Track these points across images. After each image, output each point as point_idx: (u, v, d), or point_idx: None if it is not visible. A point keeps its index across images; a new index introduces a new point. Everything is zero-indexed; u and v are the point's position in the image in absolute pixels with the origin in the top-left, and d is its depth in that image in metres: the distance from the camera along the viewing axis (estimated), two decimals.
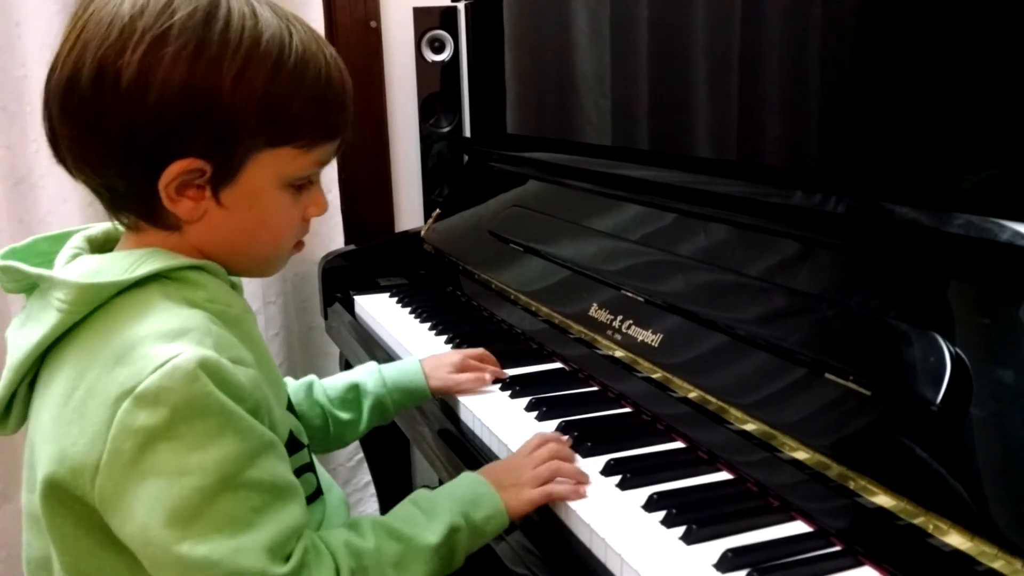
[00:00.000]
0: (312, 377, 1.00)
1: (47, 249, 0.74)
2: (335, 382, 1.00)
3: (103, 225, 0.75)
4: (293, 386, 0.97)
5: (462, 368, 1.05)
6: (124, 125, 0.65)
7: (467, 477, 0.80)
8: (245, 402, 0.65)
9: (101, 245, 0.75)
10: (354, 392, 0.99)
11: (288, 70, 0.67)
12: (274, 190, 0.71)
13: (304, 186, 0.74)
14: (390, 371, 1.01)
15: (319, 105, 0.70)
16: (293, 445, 0.76)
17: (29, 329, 0.68)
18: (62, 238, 0.75)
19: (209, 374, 0.62)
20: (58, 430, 0.65)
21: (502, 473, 0.81)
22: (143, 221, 0.71)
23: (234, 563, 0.62)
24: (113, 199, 0.70)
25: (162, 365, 0.61)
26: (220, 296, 0.71)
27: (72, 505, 0.65)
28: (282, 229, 0.74)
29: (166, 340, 0.63)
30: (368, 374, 1.01)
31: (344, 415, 0.98)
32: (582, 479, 0.81)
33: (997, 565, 0.60)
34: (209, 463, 0.62)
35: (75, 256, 0.71)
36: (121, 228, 0.74)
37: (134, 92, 0.64)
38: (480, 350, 1.09)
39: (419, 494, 0.78)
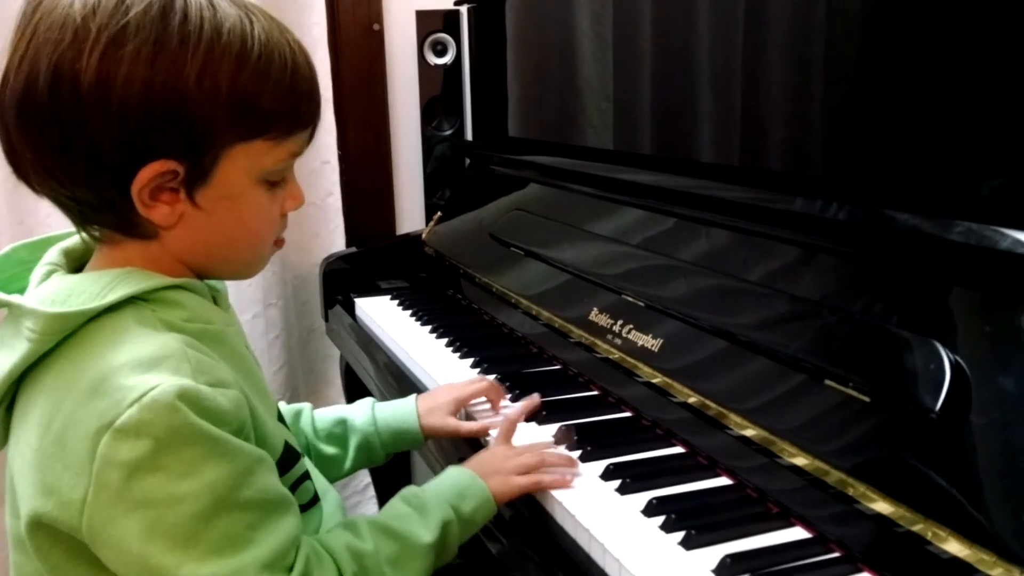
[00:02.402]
0: (305, 405, 0.97)
1: (27, 258, 0.72)
2: (326, 414, 0.97)
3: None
4: (283, 410, 0.92)
5: (458, 403, 0.98)
6: (87, 133, 0.62)
7: (452, 471, 0.82)
8: (229, 425, 0.64)
9: (80, 256, 0.73)
10: (342, 427, 0.95)
11: (253, 61, 0.65)
12: (250, 187, 0.69)
13: (279, 181, 0.72)
14: (383, 410, 0.97)
15: (288, 95, 0.67)
16: (289, 456, 0.75)
17: (2, 356, 0.66)
18: (42, 245, 0.73)
19: (188, 403, 0.61)
20: (40, 463, 0.63)
21: (486, 462, 0.83)
22: (117, 232, 0.68)
23: None
24: (83, 212, 0.67)
25: (140, 398, 0.60)
26: (199, 313, 0.69)
27: (59, 538, 0.64)
28: (262, 227, 0.72)
29: (142, 370, 0.61)
30: (359, 410, 0.97)
31: (328, 450, 0.95)
32: (569, 466, 0.84)
33: (996, 573, 0.60)
34: (199, 489, 0.61)
35: (49, 274, 0.69)
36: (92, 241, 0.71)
37: (95, 97, 0.61)
38: (483, 384, 1.00)
39: (408, 491, 0.79)
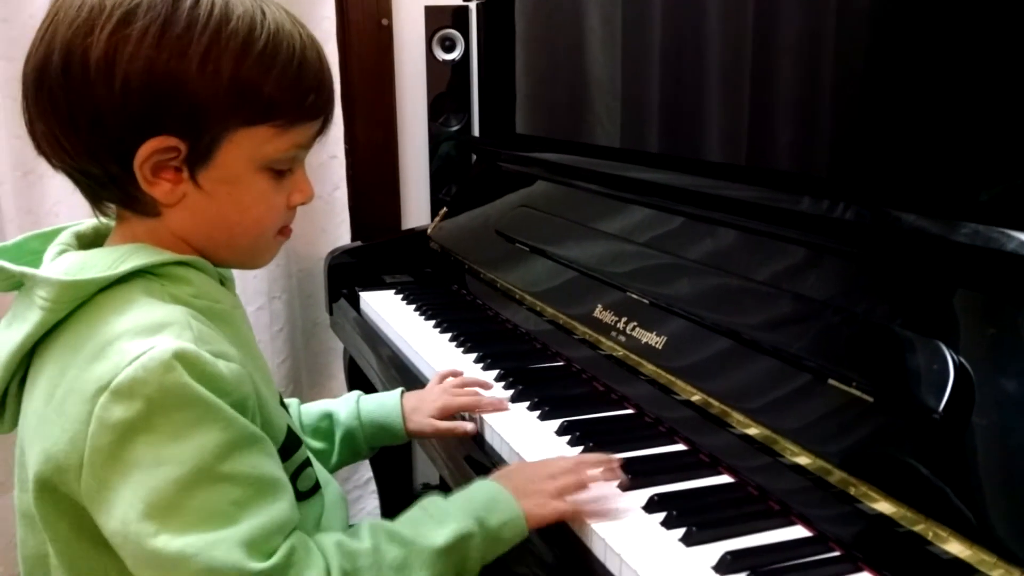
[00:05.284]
0: (293, 400, 0.97)
1: (38, 247, 0.73)
2: (311, 408, 0.97)
3: (93, 220, 0.75)
4: None
5: (444, 411, 0.98)
6: (93, 106, 0.64)
7: (482, 483, 0.77)
8: (229, 395, 0.64)
9: (91, 241, 0.74)
10: (327, 421, 0.96)
11: (258, 50, 0.67)
12: (253, 173, 0.70)
13: (286, 172, 0.72)
14: (368, 403, 0.97)
15: (292, 85, 0.69)
16: (292, 441, 0.75)
17: (15, 328, 0.68)
18: (53, 235, 0.74)
19: (185, 365, 0.61)
20: (42, 429, 0.64)
21: (521, 479, 0.77)
22: (124, 208, 0.70)
23: (208, 557, 0.60)
24: (92, 186, 0.69)
25: (137, 358, 0.61)
26: (207, 291, 0.71)
27: (64, 505, 0.65)
28: (263, 215, 0.72)
29: (144, 335, 0.62)
30: (344, 403, 0.97)
31: (315, 444, 0.95)
32: (613, 479, 0.79)
33: (996, 574, 0.60)
34: (185, 454, 0.61)
35: (62, 252, 0.71)
36: (105, 220, 0.74)
37: (101, 72, 0.64)
38: (473, 399, 1.00)
39: (430, 499, 0.75)
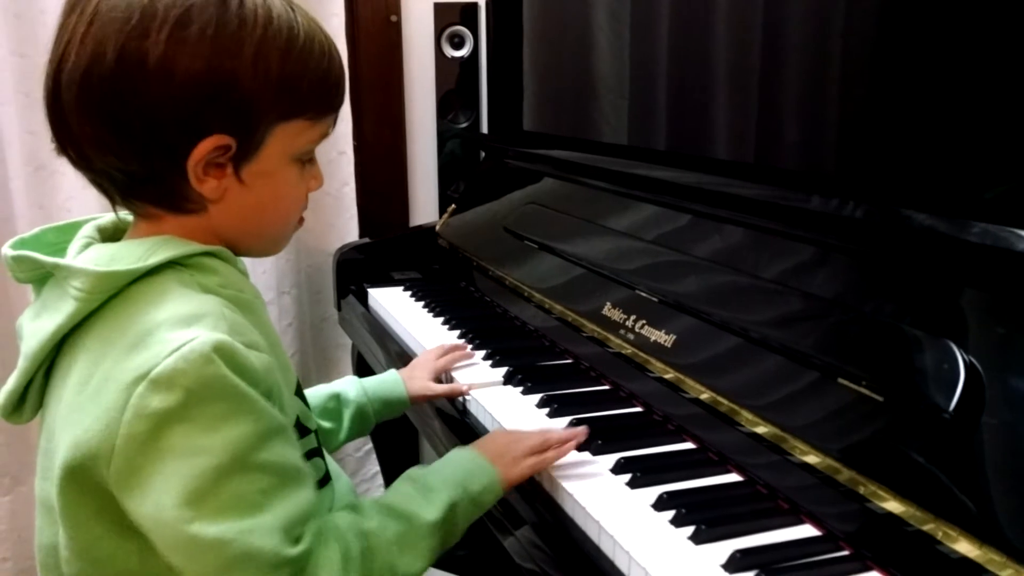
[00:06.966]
0: None
1: (54, 240, 0.74)
2: (316, 392, 1.01)
3: (111, 215, 0.75)
4: None
5: (435, 372, 1.09)
6: (150, 108, 0.65)
7: (458, 453, 0.82)
8: (258, 386, 0.65)
9: (111, 235, 0.75)
10: (335, 402, 1.01)
11: (299, 47, 0.69)
12: (285, 164, 0.73)
13: (307, 162, 0.76)
14: (370, 382, 1.04)
15: (324, 79, 0.72)
16: (301, 430, 0.76)
17: (45, 319, 0.69)
18: (69, 229, 0.75)
19: (223, 357, 0.63)
20: (74, 417, 0.65)
21: (492, 445, 0.84)
22: (159, 207, 0.71)
23: (246, 543, 0.62)
24: (130, 185, 0.70)
25: (178, 349, 0.62)
26: (233, 281, 0.72)
27: (89, 492, 0.66)
28: (291, 203, 0.76)
29: (182, 325, 0.64)
30: (349, 385, 1.03)
31: (324, 424, 0.99)
32: (571, 440, 0.85)
33: (1006, 574, 0.60)
34: (221, 444, 0.63)
35: (87, 245, 0.72)
36: (123, 216, 0.74)
37: (160, 74, 0.65)
38: (454, 355, 1.13)
39: (414, 472, 0.80)
